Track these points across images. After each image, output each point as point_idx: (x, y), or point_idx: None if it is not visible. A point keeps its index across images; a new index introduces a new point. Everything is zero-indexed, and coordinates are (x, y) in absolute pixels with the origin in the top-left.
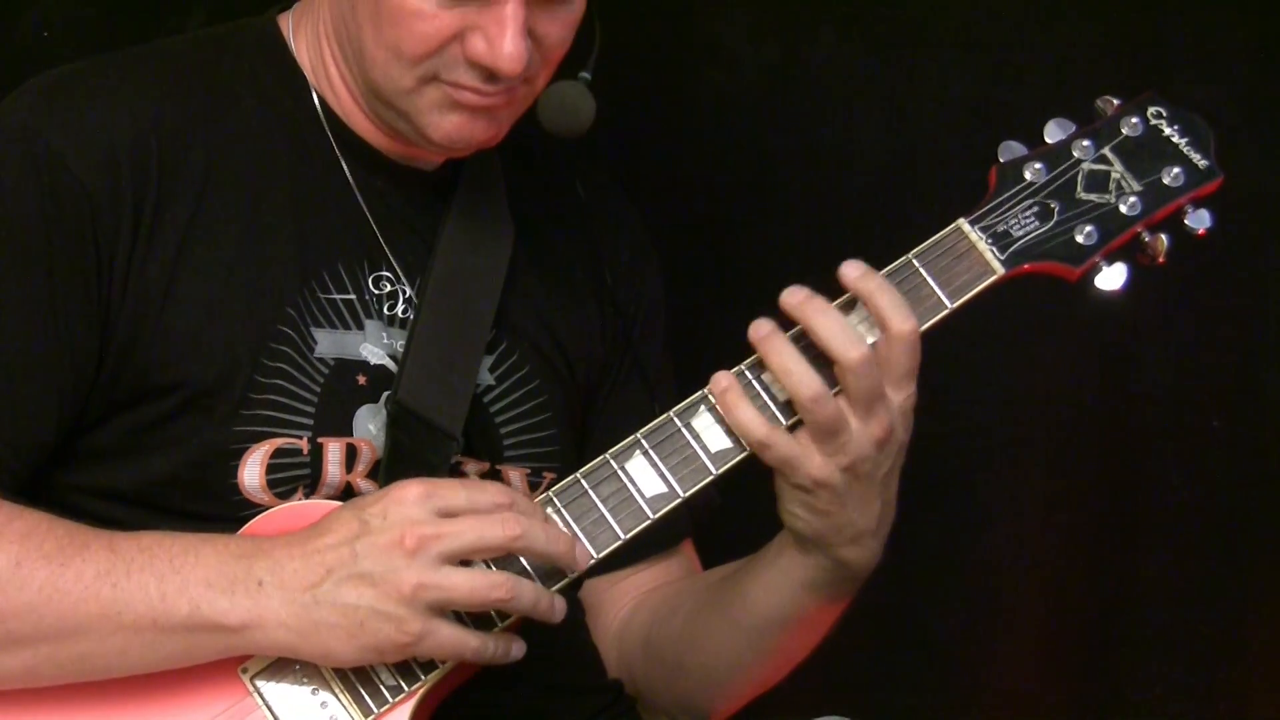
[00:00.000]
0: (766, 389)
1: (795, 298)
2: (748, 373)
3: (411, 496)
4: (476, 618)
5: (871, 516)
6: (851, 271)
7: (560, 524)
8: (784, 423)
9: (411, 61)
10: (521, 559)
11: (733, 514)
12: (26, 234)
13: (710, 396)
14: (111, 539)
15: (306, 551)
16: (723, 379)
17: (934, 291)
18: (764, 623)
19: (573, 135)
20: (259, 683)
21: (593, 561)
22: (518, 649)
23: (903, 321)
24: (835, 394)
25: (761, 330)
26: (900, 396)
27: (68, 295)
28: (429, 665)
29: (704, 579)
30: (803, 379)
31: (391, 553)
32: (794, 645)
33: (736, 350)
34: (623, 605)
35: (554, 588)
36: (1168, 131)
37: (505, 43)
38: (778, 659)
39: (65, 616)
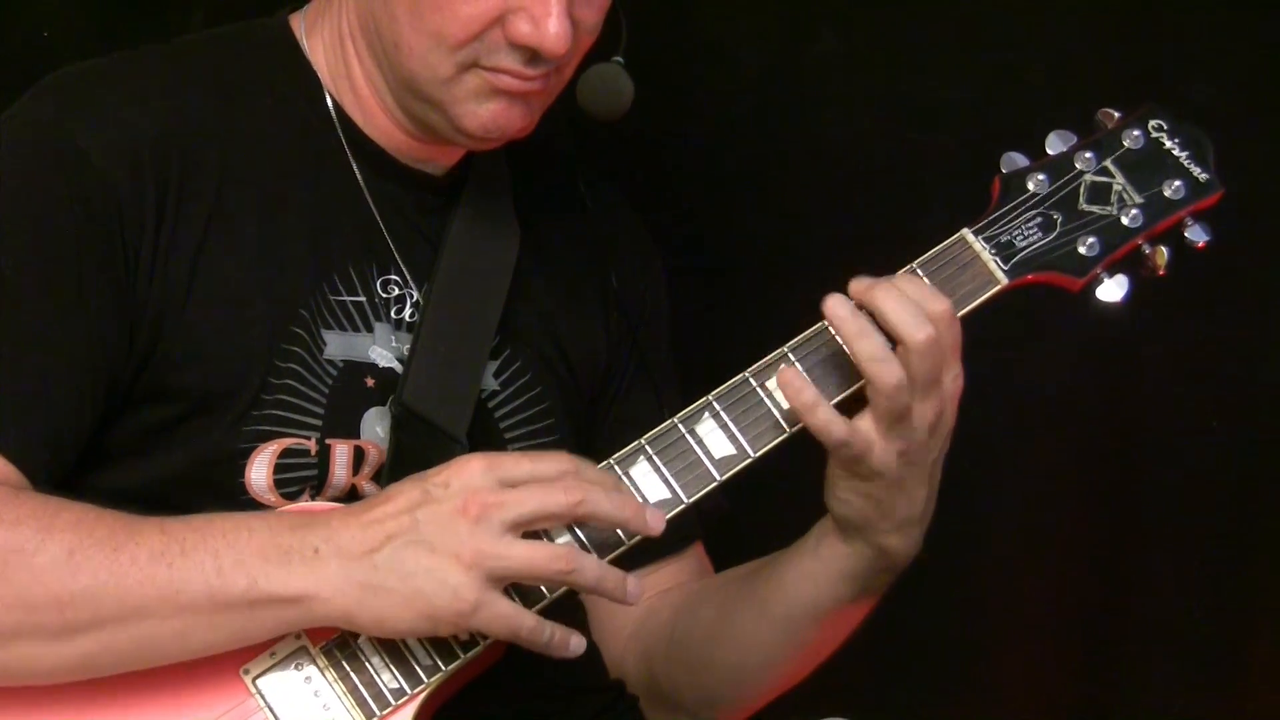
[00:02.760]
0: (770, 396)
1: (863, 283)
2: (752, 380)
3: (475, 468)
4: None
5: (918, 504)
6: (860, 285)
7: (566, 533)
8: (788, 429)
9: (453, 47)
10: (579, 531)
11: (739, 517)
12: (56, 232)
13: (715, 403)
14: (161, 522)
15: (365, 520)
16: (794, 380)
17: None
18: (799, 613)
19: (612, 117)
20: (260, 683)
21: (615, 554)
22: (576, 643)
23: (937, 301)
24: None
25: (842, 311)
26: (949, 377)
27: (98, 292)
28: (432, 667)
29: (732, 574)
30: (891, 367)
31: (454, 520)
32: (825, 639)
33: (737, 351)
34: (637, 606)
35: (608, 557)
36: (1168, 144)
37: (551, 22)
38: (807, 653)
39: (124, 600)
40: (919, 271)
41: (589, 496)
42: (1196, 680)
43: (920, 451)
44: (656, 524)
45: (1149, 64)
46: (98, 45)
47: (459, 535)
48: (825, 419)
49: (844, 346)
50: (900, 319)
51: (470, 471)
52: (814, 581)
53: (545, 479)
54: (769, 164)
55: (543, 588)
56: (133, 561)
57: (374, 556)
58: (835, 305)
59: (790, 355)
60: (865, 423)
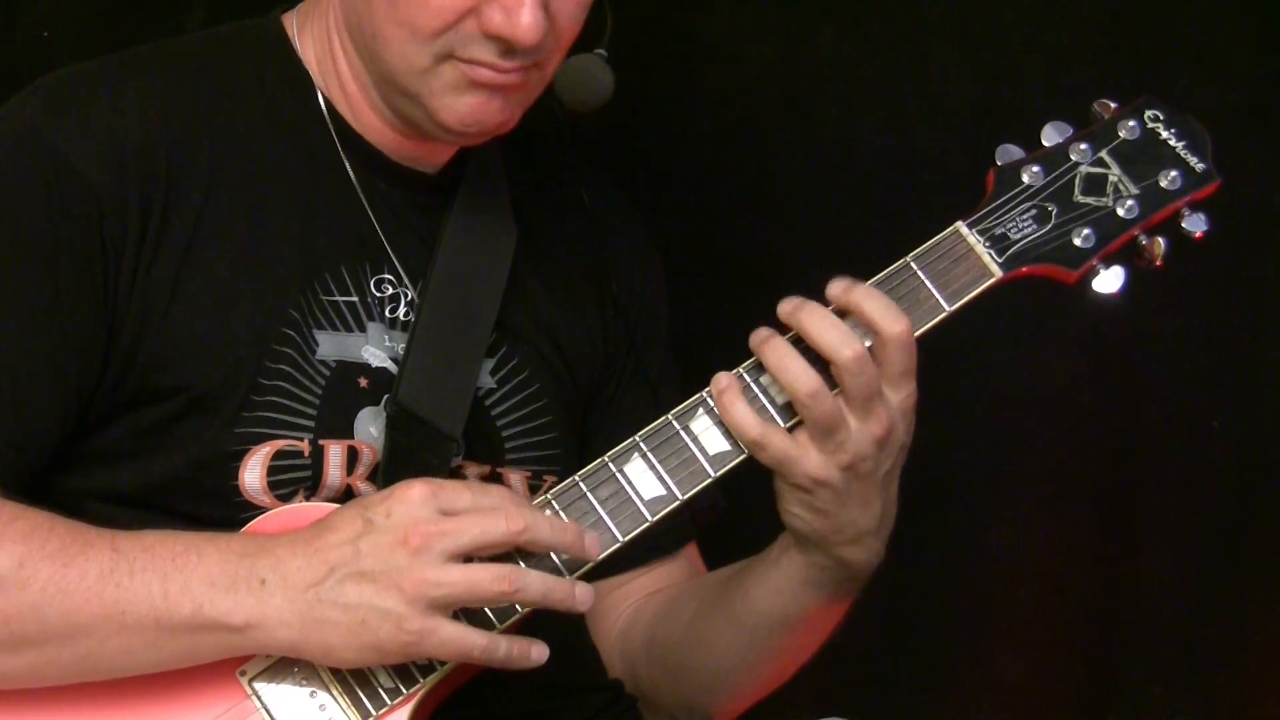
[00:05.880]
0: (765, 391)
1: (789, 305)
2: (746, 375)
3: (416, 496)
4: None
5: (873, 516)
6: (835, 288)
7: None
8: (783, 425)
9: (427, 37)
10: (553, 557)
11: (737, 517)
12: (33, 234)
13: (709, 399)
14: (114, 538)
15: (310, 550)
16: (722, 379)
17: (932, 294)
18: (767, 623)
19: (590, 108)
20: (257, 685)
21: (606, 552)
22: (538, 652)
23: (893, 323)
24: (834, 394)
25: (760, 334)
26: (899, 396)
27: (73, 296)
28: (427, 668)
29: (707, 580)
30: (798, 375)
31: (394, 551)
32: (797, 645)
33: (736, 350)
34: (625, 609)
35: (578, 573)
36: (1164, 135)
37: (524, 13)
38: (781, 660)
39: (69, 616)
40: (914, 265)
41: (530, 524)
42: (1195, 681)
43: (866, 465)
44: (594, 549)
45: (1149, 64)
46: (98, 45)
47: (400, 565)
48: (739, 417)
49: None
50: (824, 339)
51: (411, 500)
52: (778, 591)
53: (485, 509)
54: (769, 163)
55: (489, 613)
56: (81, 578)
57: (318, 588)
58: (755, 335)
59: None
60: (800, 433)
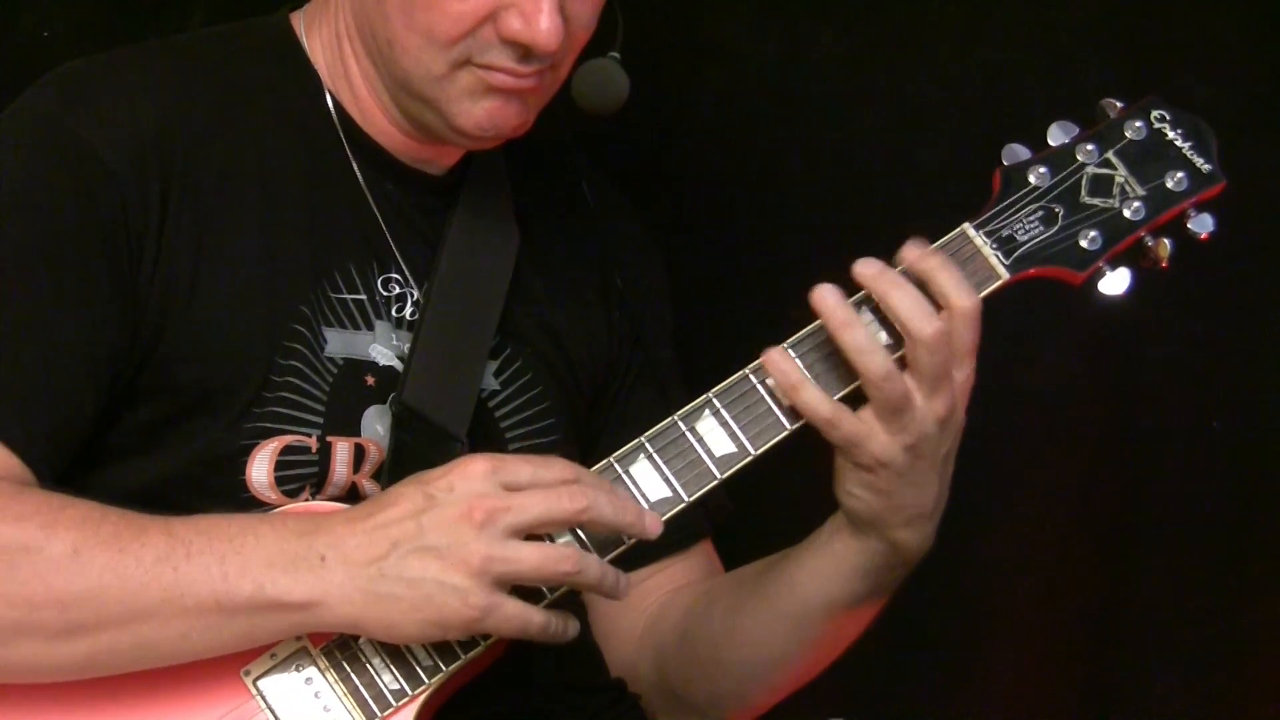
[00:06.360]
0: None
1: (871, 268)
2: (793, 350)
3: (478, 471)
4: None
5: (929, 498)
6: (910, 252)
7: (567, 533)
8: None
9: (445, 44)
10: (579, 531)
11: (743, 518)
12: (61, 224)
13: (715, 400)
14: (168, 522)
15: (369, 526)
16: (780, 360)
17: None
18: (811, 610)
19: (607, 112)
20: (261, 685)
21: (612, 555)
22: (573, 627)
23: (966, 297)
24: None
25: (830, 301)
26: (962, 375)
27: (102, 284)
28: (433, 668)
29: (744, 572)
30: (875, 357)
31: (459, 526)
32: (836, 636)
33: (737, 349)
34: (647, 605)
35: (609, 556)
36: (1171, 135)
37: (543, 18)
38: (819, 652)
39: (127, 602)
40: None
41: (593, 503)
42: (1195, 681)
43: (928, 445)
44: (655, 527)
45: (1149, 64)
46: (98, 45)
47: (465, 541)
48: (810, 398)
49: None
50: (907, 312)
51: (473, 474)
52: (826, 578)
53: (547, 484)
54: (769, 163)
55: (543, 588)
56: (138, 563)
57: (381, 564)
58: (823, 295)
59: (790, 351)
60: (865, 412)
